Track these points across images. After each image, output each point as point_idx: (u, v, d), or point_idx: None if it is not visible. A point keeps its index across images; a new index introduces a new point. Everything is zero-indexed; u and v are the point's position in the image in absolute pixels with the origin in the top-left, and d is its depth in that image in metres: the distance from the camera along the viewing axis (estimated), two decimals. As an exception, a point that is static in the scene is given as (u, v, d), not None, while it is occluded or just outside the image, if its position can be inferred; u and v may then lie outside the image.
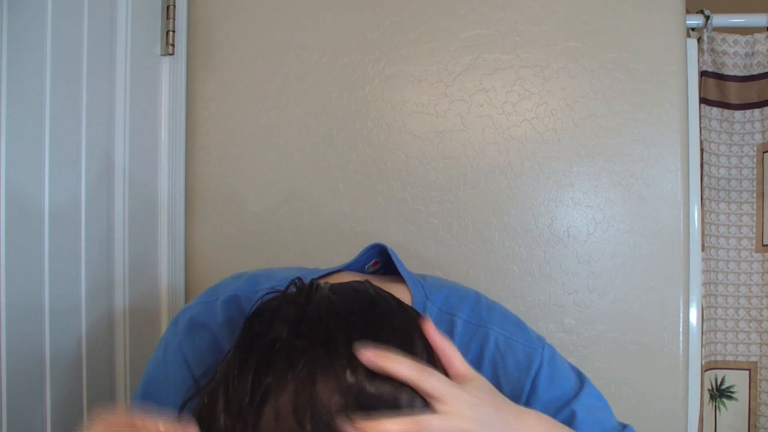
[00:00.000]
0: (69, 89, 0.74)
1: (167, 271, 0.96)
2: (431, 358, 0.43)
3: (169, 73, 0.96)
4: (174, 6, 0.96)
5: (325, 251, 0.98)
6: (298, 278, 0.47)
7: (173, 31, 0.95)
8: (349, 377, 0.38)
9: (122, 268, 0.86)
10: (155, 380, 0.59)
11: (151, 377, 0.60)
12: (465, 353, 0.56)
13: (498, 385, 0.55)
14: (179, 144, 0.98)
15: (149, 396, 0.59)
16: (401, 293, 0.55)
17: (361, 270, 0.64)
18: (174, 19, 0.95)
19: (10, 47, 0.64)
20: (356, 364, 0.38)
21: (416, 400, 0.40)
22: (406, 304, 0.47)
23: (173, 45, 0.95)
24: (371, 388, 0.38)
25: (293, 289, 0.46)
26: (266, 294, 0.46)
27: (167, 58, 0.96)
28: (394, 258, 0.61)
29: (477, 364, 0.57)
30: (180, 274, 0.98)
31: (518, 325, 0.61)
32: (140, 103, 0.90)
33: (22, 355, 0.66)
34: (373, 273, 0.65)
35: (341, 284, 0.46)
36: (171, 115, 0.96)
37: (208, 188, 1.01)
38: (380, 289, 0.47)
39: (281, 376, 0.38)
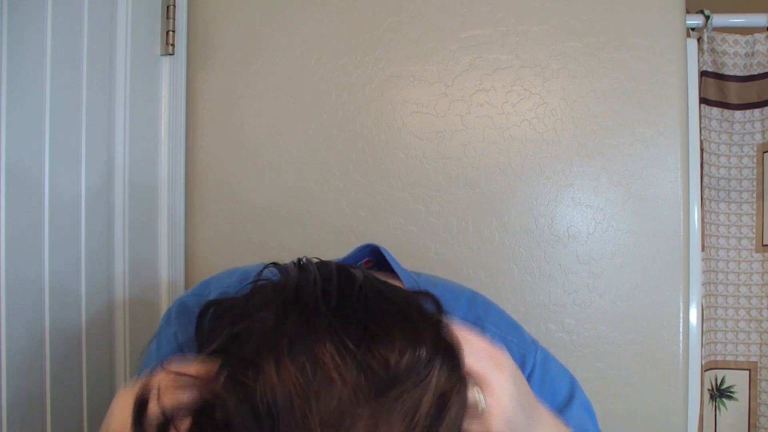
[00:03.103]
0: (69, 89, 0.74)
1: (167, 267, 0.96)
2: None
3: (169, 73, 0.96)
4: (174, 6, 0.96)
5: (325, 251, 0.98)
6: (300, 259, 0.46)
7: (173, 31, 0.95)
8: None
9: (122, 263, 0.86)
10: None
11: (143, 368, 0.59)
12: None
13: None
14: (179, 144, 0.98)
15: None
16: None
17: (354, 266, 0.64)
18: (174, 19, 0.95)
19: (10, 47, 0.64)
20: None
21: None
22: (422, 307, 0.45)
23: (173, 45, 0.95)
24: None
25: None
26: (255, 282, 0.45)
27: (167, 58, 0.96)
28: (387, 257, 0.61)
29: None
30: (180, 269, 0.99)
31: (513, 325, 0.61)
32: (140, 103, 0.90)
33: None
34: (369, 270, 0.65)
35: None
36: (171, 115, 0.96)
37: (208, 188, 1.01)
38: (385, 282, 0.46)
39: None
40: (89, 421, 0.77)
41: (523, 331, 0.61)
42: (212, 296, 0.58)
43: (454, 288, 0.63)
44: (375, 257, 0.64)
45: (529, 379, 0.56)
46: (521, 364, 0.57)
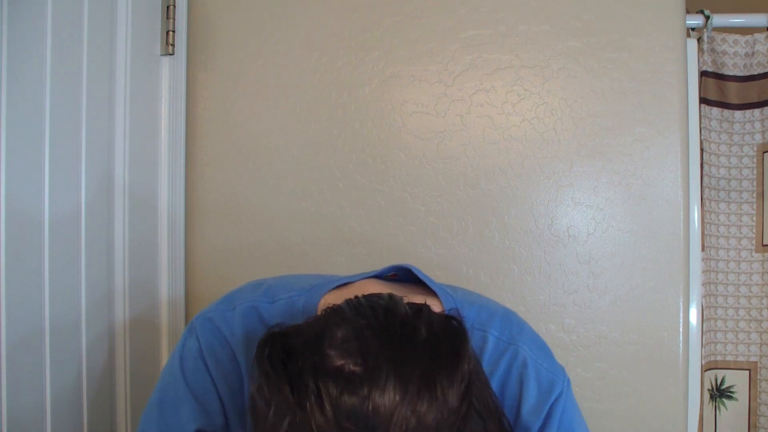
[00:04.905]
0: (69, 89, 0.74)
1: (167, 278, 0.95)
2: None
3: (169, 73, 0.96)
4: (174, 6, 0.96)
5: (325, 251, 0.98)
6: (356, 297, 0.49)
7: (173, 31, 0.95)
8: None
9: (122, 278, 0.85)
10: (172, 387, 0.59)
11: (166, 385, 0.59)
12: (494, 368, 0.58)
13: (519, 402, 0.57)
14: (179, 144, 0.98)
15: (165, 405, 0.58)
16: (432, 305, 0.55)
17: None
18: (174, 19, 0.95)
19: (10, 47, 0.63)
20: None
21: None
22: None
23: (173, 45, 0.95)
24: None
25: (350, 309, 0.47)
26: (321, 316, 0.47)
27: (167, 58, 0.96)
28: (421, 275, 0.62)
29: (505, 378, 0.58)
30: (180, 280, 0.98)
31: (544, 348, 0.62)
32: (140, 103, 0.90)
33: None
34: (395, 281, 0.65)
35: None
36: (171, 115, 0.96)
37: (208, 188, 1.01)
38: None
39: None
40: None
41: (552, 355, 0.62)
42: (239, 310, 0.59)
43: (488, 306, 0.64)
44: (402, 272, 0.64)
45: (555, 403, 0.57)
46: (549, 389, 0.58)
